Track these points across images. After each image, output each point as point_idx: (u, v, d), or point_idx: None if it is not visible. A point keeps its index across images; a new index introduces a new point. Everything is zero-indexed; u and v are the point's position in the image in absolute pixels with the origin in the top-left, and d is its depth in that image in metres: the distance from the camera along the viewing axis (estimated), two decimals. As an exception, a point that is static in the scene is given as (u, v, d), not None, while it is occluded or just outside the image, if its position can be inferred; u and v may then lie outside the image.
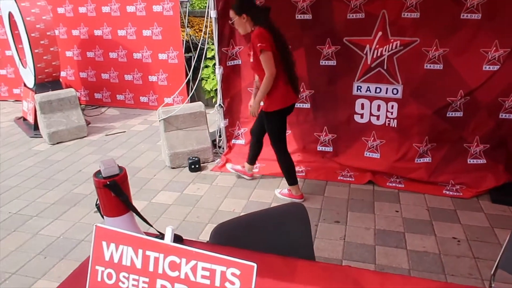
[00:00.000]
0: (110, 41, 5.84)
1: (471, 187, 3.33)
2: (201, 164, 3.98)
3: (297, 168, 3.81)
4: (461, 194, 3.31)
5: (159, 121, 4.04)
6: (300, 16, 3.54)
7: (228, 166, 3.81)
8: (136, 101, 6.09)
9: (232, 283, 0.89)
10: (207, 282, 0.91)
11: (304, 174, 3.76)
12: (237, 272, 0.88)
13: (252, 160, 3.64)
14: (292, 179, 3.32)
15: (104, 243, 1.01)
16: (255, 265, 0.86)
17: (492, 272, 1.57)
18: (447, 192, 3.34)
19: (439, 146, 3.48)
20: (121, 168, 1.29)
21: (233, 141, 4.16)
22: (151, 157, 4.37)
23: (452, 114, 3.36)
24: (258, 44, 2.83)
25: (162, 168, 4.07)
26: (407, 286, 1.19)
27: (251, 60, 3.03)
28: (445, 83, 3.29)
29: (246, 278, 0.88)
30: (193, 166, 3.90)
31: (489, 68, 3.16)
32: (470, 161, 3.44)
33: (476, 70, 3.19)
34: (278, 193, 3.42)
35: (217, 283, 0.90)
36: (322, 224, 3.01)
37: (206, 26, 4.00)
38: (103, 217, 1.35)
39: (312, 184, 3.60)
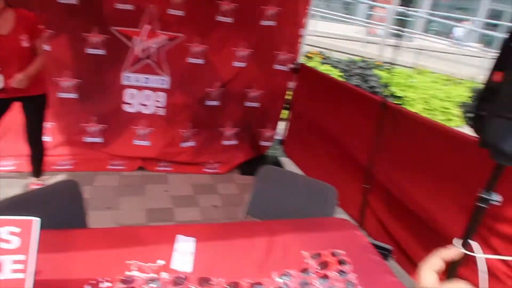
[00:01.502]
0: None
1: (226, 164, 3.99)
2: None
3: (62, 162, 3.61)
4: (218, 170, 3.93)
5: None
6: (64, 0, 3.27)
7: None
8: None
9: (8, 242, 0.89)
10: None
11: (71, 167, 3.58)
12: (17, 230, 0.90)
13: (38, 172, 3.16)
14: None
15: None
16: (36, 219, 0.89)
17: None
18: (207, 170, 3.90)
19: (200, 131, 3.95)
20: None
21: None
22: None
23: (210, 103, 3.88)
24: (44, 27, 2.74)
25: None
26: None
27: (24, 44, 2.62)
28: (205, 75, 3.75)
29: (26, 234, 0.90)
30: None
31: (238, 64, 3.80)
32: (224, 142, 4.07)
33: (228, 66, 3.78)
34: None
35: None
36: (94, 212, 2.92)
37: None
38: None
39: (79, 176, 3.42)
